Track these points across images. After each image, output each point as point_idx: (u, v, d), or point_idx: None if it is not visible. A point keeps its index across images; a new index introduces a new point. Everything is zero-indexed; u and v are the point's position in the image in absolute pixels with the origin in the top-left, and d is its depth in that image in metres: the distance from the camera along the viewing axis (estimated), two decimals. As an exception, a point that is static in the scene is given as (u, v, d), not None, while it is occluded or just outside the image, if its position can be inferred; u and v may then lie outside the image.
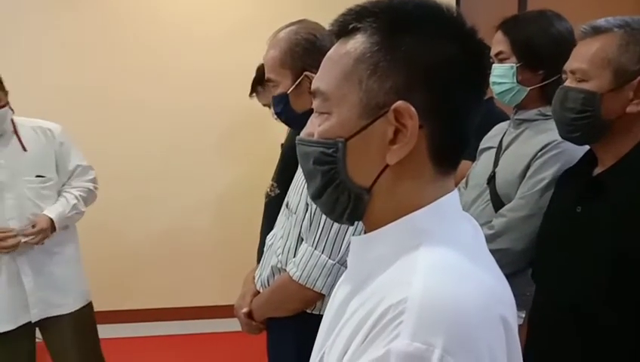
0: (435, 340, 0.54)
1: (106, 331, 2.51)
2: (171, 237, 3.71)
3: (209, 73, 3.55)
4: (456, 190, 0.72)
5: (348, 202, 0.68)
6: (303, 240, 1.39)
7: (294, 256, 1.40)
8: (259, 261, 1.91)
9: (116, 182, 3.27)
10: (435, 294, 0.58)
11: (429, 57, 0.64)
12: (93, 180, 2.27)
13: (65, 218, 2.10)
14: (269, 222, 1.97)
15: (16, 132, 2.05)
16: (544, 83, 1.54)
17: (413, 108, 0.63)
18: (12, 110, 2.05)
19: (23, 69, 3.18)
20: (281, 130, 2.97)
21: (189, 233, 3.72)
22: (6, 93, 2.01)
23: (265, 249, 1.56)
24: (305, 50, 1.42)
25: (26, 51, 3.30)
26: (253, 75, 3.04)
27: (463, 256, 0.64)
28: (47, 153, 2.10)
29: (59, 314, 2.12)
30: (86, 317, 2.22)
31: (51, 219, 2.05)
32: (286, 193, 1.84)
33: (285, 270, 1.40)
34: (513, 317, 0.64)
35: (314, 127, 0.70)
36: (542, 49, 1.50)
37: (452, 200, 0.70)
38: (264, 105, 2.95)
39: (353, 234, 1.31)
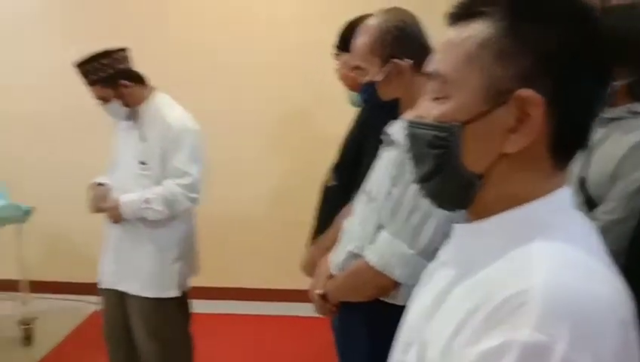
0: (559, 332, 0.52)
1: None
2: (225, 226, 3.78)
3: (264, 65, 3.59)
4: (569, 185, 0.69)
5: (457, 188, 0.67)
6: (381, 227, 1.38)
7: (372, 243, 1.39)
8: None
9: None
10: (559, 287, 0.56)
11: (556, 44, 0.62)
12: (186, 187, 2.18)
13: (136, 209, 2.16)
14: (324, 210, 2.00)
15: (140, 120, 2.22)
16: (633, 79, 1.45)
17: (539, 96, 0.61)
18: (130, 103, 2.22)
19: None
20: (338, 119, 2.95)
21: (243, 224, 3.80)
22: (117, 87, 2.16)
23: (341, 234, 1.56)
24: (395, 38, 1.40)
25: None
26: (309, 64, 2.98)
27: (584, 251, 0.62)
28: (156, 145, 2.17)
29: (126, 291, 2.25)
30: (152, 309, 2.23)
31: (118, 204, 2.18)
32: (344, 184, 1.86)
33: (362, 256, 1.40)
34: (633, 319, 0.61)
35: (426, 110, 0.69)
36: (631, 43, 1.41)
37: (567, 194, 0.68)
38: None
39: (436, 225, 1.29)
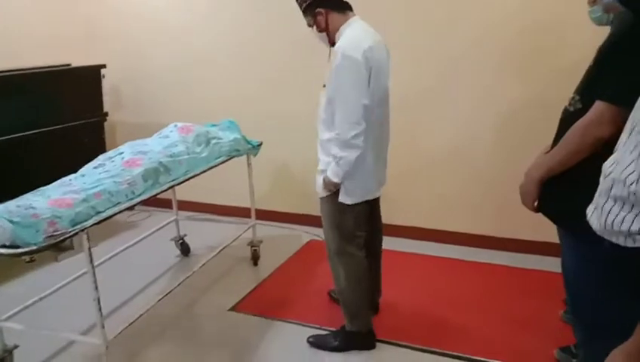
0: None
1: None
2: (451, 156, 3.68)
3: None
4: None
5: None
6: None
7: None
8: None
9: (403, 101, 3.33)
10: None
11: None
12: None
13: None
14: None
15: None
16: None
17: None
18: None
19: None
20: (586, 39, 2.55)
21: (470, 153, 3.63)
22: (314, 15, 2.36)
23: (601, 179, 1.32)
24: None
25: None
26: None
27: None
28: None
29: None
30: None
31: None
32: (589, 108, 1.56)
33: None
34: None
35: None
36: None
37: None
38: None
39: None
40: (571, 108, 1.70)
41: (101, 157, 2.79)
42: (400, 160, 3.18)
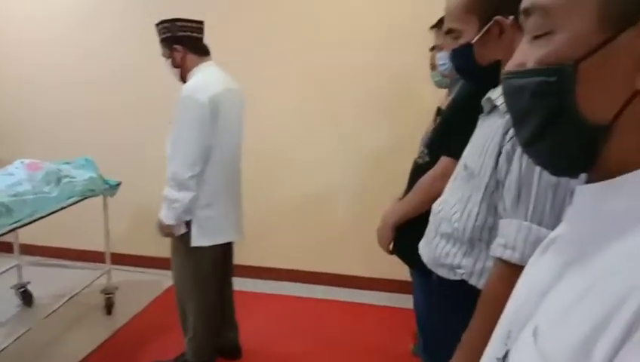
0: None
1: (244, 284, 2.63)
2: (310, 201, 3.78)
3: (353, 33, 3.52)
4: None
5: (576, 146, 0.55)
6: (486, 205, 1.23)
7: (475, 221, 1.25)
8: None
9: (264, 145, 3.40)
10: None
11: None
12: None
13: None
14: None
15: None
16: None
17: None
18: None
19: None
20: (432, 94, 2.85)
21: (329, 199, 3.76)
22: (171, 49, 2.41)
23: (431, 217, 1.46)
24: None
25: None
26: (400, 31, 3.01)
27: None
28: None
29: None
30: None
31: None
32: (436, 161, 1.74)
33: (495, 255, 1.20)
34: None
35: (525, 55, 0.58)
36: None
37: None
38: (432, 47, 2.57)
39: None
40: (420, 161, 1.88)
41: None
42: (259, 204, 3.23)
